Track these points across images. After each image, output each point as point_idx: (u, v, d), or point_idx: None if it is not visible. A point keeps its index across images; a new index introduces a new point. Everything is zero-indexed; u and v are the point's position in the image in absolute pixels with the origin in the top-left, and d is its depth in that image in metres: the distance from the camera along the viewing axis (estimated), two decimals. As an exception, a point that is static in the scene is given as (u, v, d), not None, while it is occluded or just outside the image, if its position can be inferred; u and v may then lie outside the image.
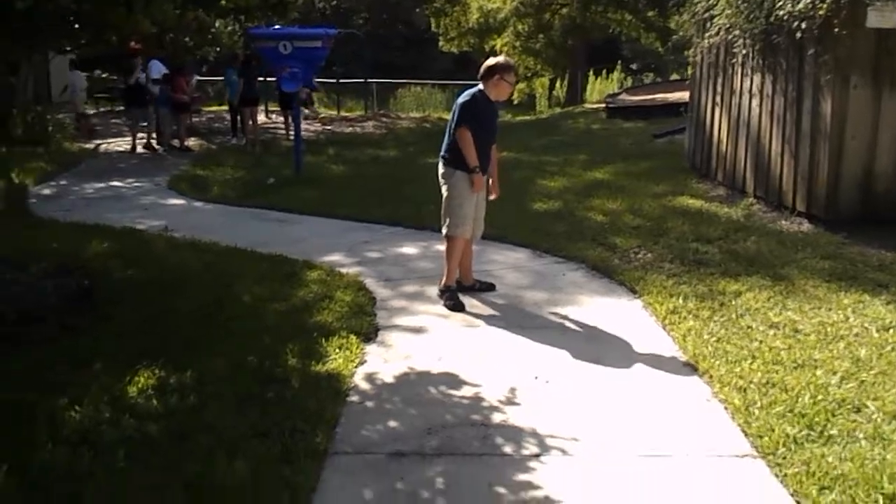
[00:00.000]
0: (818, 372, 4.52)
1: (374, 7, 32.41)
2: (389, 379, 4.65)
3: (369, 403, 4.32)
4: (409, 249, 7.90)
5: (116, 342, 5.18)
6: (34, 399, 4.19)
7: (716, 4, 9.32)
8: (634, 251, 7.35)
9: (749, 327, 5.32)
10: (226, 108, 21.08)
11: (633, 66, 41.18)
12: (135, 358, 4.75)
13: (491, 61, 6.26)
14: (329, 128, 21.32)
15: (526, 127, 19.68)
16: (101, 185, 12.36)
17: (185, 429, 3.90)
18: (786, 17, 7.59)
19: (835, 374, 4.49)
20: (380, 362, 4.89)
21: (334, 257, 7.45)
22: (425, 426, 4.00)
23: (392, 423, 4.06)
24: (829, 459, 3.53)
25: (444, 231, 6.25)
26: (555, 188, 10.53)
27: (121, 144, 17.75)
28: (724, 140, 9.64)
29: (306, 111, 23.11)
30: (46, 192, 11.71)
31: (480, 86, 6.14)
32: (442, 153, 6.27)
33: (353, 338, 5.17)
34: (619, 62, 33.96)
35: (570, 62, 30.55)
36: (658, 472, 3.56)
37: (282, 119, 19.11)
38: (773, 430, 3.82)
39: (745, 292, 6.02)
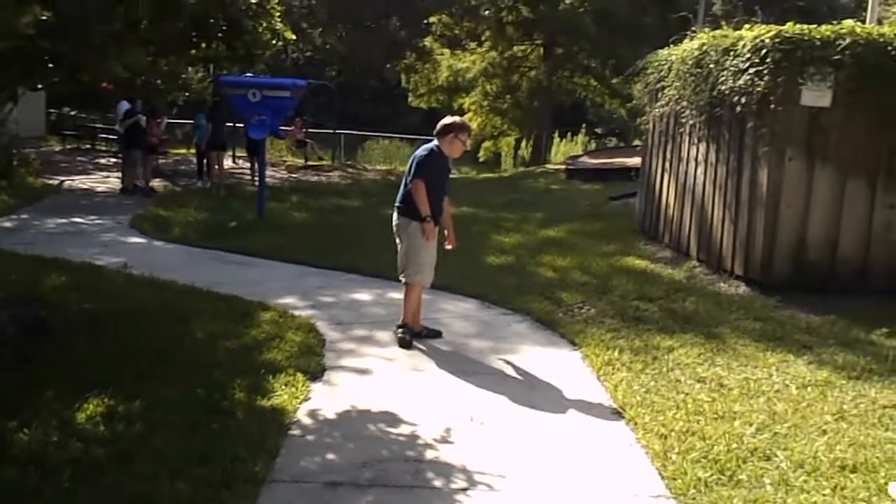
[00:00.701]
0: (736, 423, 4.81)
1: (347, 60, 33.01)
2: (331, 415, 4.86)
3: (310, 437, 4.52)
4: (363, 296, 8.14)
5: (69, 371, 5.31)
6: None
7: (666, 76, 9.82)
8: (578, 306, 7.65)
9: (678, 380, 5.62)
10: (192, 151, 21.35)
11: (598, 131, 42.17)
12: (87, 387, 4.90)
13: (447, 120, 6.62)
14: (295, 175, 21.63)
15: (488, 184, 20.15)
16: (63, 220, 12.49)
17: (131, 453, 4.07)
18: (727, 92, 8.07)
19: (751, 425, 4.79)
20: (324, 400, 5.10)
21: (289, 300, 7.66)
22: (361, 460, 4.21)
23: (330, 456, 4.27)
24: (735, 502, 3.80)
25: (402, 279, 6.52)
26: (509, 244, 10.86)
27: (84, 182, 17.89)
28: (672, 204, 10.07)
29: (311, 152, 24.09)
30: (7, 224, 11.82)
31: (436, 142, 6.48)
32: (397, 203, 6.58)
33: (299, 376, 5.38)
34: (584, 125, 34.78)
35: (536, 123, 31.27)
36: (576, 509, 3.80)
37: (247, 165, 19.39)
38: (686, 474, 4.09)
39: (677, 348, 6.34)
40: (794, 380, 5.68)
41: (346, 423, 4.75)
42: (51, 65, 5.79)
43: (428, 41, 31.88)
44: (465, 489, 3.94)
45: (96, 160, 23.60)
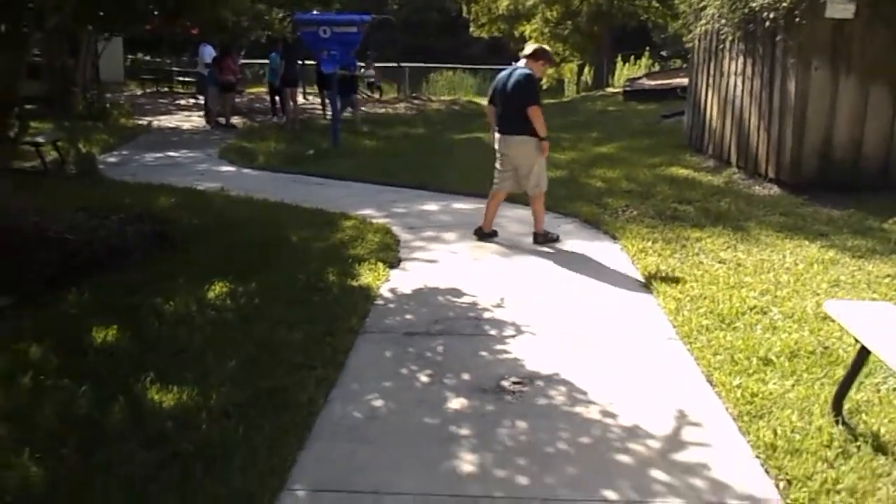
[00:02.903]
0: (743, 290, 5.76)
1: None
2: (407, 290, 5.97)
3: (391, 305, 5.65)
4: (431, 207, 9.20)
5: (192, 267, 6.50)
6: (140, 301, 5.55)
7: (708, -4, 10.48)
8: (623, 209, 8.59)
9: (701, 262, 6.57)
10: (265, 89, 22.53)
11: (664, 53, 41.91)
12: (209, 276, 6.09)
13: (542, 47, 7.47)
14: (363, 109, 22.69)
15: (548, 109, 20.74)
16: (159, 154, 13.81)
17: (253, 317, 5.24)
18: (758, 9, 8.76)
19: (755, 290, 5.73)
20: (401, 280, 6.21)
21: (366, 211, 8.77)
22: (432, 318, 5.32)
23: (408, 316, 5.39)
24: (728, 338, 4.80)
25: (531, 192, 7.31)
26: (563, 160, 11.76)
27: (170, 121, 19.28)
28: (715, 117, 10.81)
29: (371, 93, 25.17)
30: (111, 160, 13.16)
31: (523, 63, 7.28)
32: (507, 127, 7.16)
33: (380, 264, 6.49)
34: (648, 48, 34.72)
35: (597, 48, 31.51)
36: (603, 345, 4.84)
37: (318, 101, 20.49)
38: (692, 322, 5.09)
39: (705, 238, 7.26)
40: (804, 259, 6.57)
41: (420, 296, 5.85)
42: (155, 11, 6.77)
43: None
44: (514, 335, 5.02)
45: (177, 101, 25.05)
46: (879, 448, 3.51)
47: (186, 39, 28.50)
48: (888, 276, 6.05)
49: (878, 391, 4.08)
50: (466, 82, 35.39)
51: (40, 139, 11.34)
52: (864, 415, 3.84)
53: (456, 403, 4.06)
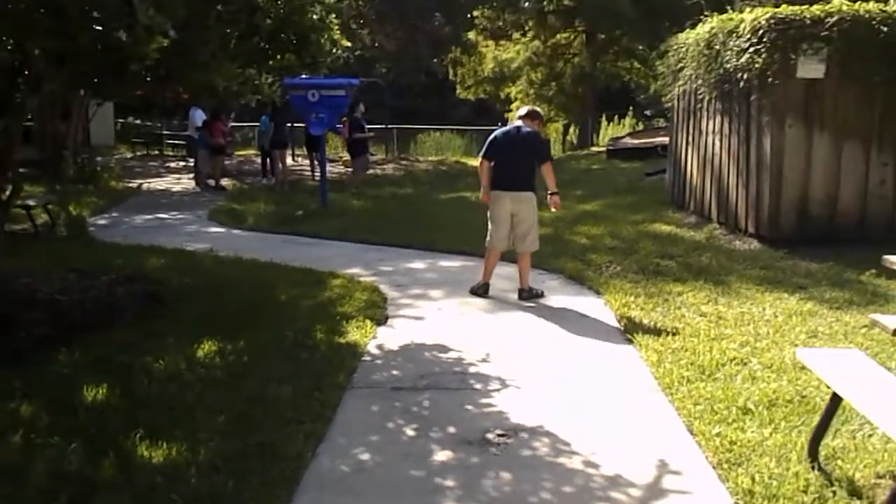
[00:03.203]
0: (724, 342, 5.89)
1: (395, 56, 34.31)
2: (394, 347, 6.06)
3: (378, 361, 5.74)
4: (417, 265, 9.34)
5: (182, 326, 6.58)
6: (130, 360, 5.62)
7: (684, 57, 10.81)
8: (606, 265, 8.74)
9: (683, 315, 6.70)
10: (253, 152, 22.85)
11: (648, 113, 42.69)
12: (198, 335, 6.17)
13: (536, 109, 7.91)
14: (350, 169, 22.97)
15: (534, 168, 21.19)
16: (149, 216, 13.95)
17: (242, 374, 5.32)
18: (732, 69, 9.06)
19: (735, 342, 5.86)
20: (388, 337, 6.31)
21: (354, 270, 8.89)
22: (419, 373, 5.41)
23: (395, 372, 5.48)
24: (708, 389, 4.91)
25: (528, 249, 7.60)
26: (548, 217, 11.84)
27: (160, 184, 19.48)
28: (695, 174, 11.06)
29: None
30: (101, 222, 13.29)
31: (520, 122, 7.56)
32: (522, 184, 7.48)
33: (367, 322, 6.59)
34: (632, 108, 35.35)
35: (582, 108, 32.08)
36: (587, 398, 4.94)
37: (307, 163, 20.77)
38: (672, 374, 5.19)
39: (686, 292, 7.41)
40: (783, 311, 6.72)
41: (406, 352, 5.95)
42: (148, 78, 7.00)
43: (472, 34, 32.91)
44: (498, 389, 5.11)
45: (166, 164, 25.33)
46: (854, 493, 3.60)
47: (177, 104, 29.00)
48: (864, 326, 6.18)
49: (854, 437, 4.18)
50: (454, 143, 35.83)
51: (31, 202, 11.49)
52: (839, 461, 3.93)
53: (441, 456, 4.14)
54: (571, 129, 34.93)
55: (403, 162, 26.10)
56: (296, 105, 13.95)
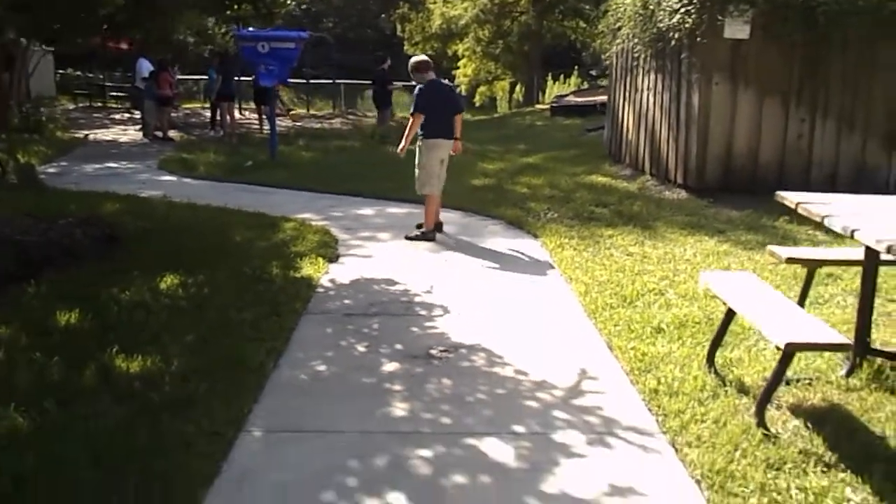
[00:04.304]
0: (645, 276, 6.49)
1: (343, 12, 34.27)
2: (346, 281, 6.54)
3: (331, 292, 6.22)
4: (366, 211, 9.79)
5: (143, 263, 6.95)
6: (97, 291, 6.00)
7: (622, 17, 11.33)
8: (544, 212, 9.29)
9: (611, 255, 7.29)
10: (199, 105, 22.88)
11: (593, 73, 43.25)
12: (159, 271, 6.56)
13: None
14: (299, 124, 23.15)
15: (479, 125, 21.67)
16: (99, 166, 14.09)
17: (204, 303, 5.75)
18: (665, 29, 9.61)
19: (656, 276, 6.47)
20: (339, 272, 6.78)
21: (306, 215, 9.29)
22: (369, 302, 5.91)
23: (346, 301, 5.97)
24: (627, 314, 5.50)
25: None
26: (491, 170, 12.48)
27: (106, 135, 19.46)
28: (631, 129, 11.65)
29: (280, 108, 25.16)
30: (51, 170, 13.40)
31: (433, 76, 8.23)
32: (451, 132, 8.17)
33: (320, 259, 7.04)
34: (577, 67, 35.84)
35: (528, 66, 32.53)
36: (520, 322, 5.49)
37: (255, 116, 20.90)
38: (597, 302, 5.78)
39: (616, 236, 8.01)
40: (702, 252, 7.35)
41: (357, 285, 6.43)
42: (107, 27, 7.21)
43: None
44: (440, 315, 5.64)
45: (111, 116, 25.14)
46: (743, 391, 4.21)
47: (120, 55, 28.70)
48: (773, 263, 6.82)
49: (749, 351, 4.80)
50: (400, 99, 35.98)
51: (-20, 149, 11.56)
52: (734, 368, 4.55)
53: (390, 367, 4.65)
54: (518, 88, 35.36)
55: (350, 117, 26.31)
56: (247, 56, 14.16)
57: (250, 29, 12.92)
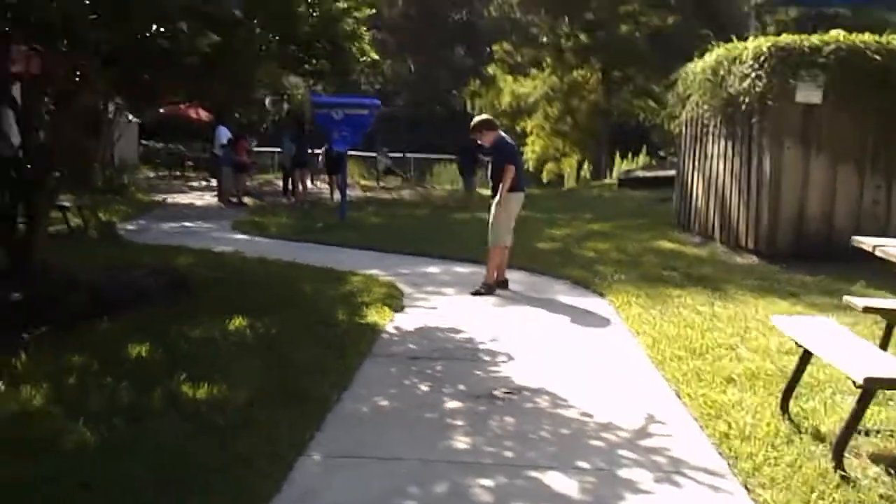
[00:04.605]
0: (715, 333, 6.34)
1: (415, 86, 35.16)
2: (411, 328, 6.56)
3: (396, 338, 6.23)
4: (432, 269, 9.84)
5: (213, 307, 7.09)
6: (167, 328, 6.13)
7: (691, 85, 11.37)
8: (611, 275, 9.20)
9: (680, 313, 7.15)
10: (272, 177, 23.53)
11: (661, 153, 43.17)
12: (228, 314, 6.67)
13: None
14: (370, 193, 23.59)
15: (546, 196, 21.77)
16: (175, 224, 14.53)
17: (271, 342, 5.82)
18: (735, 94, 9.60)
19: (726, 333, 6.32)
20: (404, 320, 6.81)
21: (373, 271, 9.36)
22: (433, 348, 5.91)
23: (411, 346, 5.97)
24: (696, 364, 5.37)
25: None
26: (559, 235, 12.48)
27: (183, 199, 20.12)
28: (700, 197, 11.56)
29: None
30: (131, 227, 13.88)
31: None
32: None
33: (386, 309, 7.09)
34: (645, 146, 35.85)
35: (595, 144, 32.69)
36: (586, 369, 5.40)
37: (326, 187, 21.37)
38: (664, 353, 5.66)
39: (685, 295, 7.87)
40: (774, 312, 7.14)
41: (422, 332, 6.44)
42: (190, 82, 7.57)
43: (491, 68, 33.68)
44: (505, 361, 5.60)
45: (188, 183, 26.04)
46: (818, 438, 4.05)
47: (200, 125, 29.87)
48: (847, 324, 6.61)
49: (824, 403, 4.62)
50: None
51: (66, 203, 12.05)
52: (809, 419, 4.38)
53: (452, 405, 4.61)
54: (585, 165, 35.50)
55: (419, 189, 26.69)
56: (321, 122, 14.58)
57: (323, 95, 13.27)
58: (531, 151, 35.98)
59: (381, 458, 3.80)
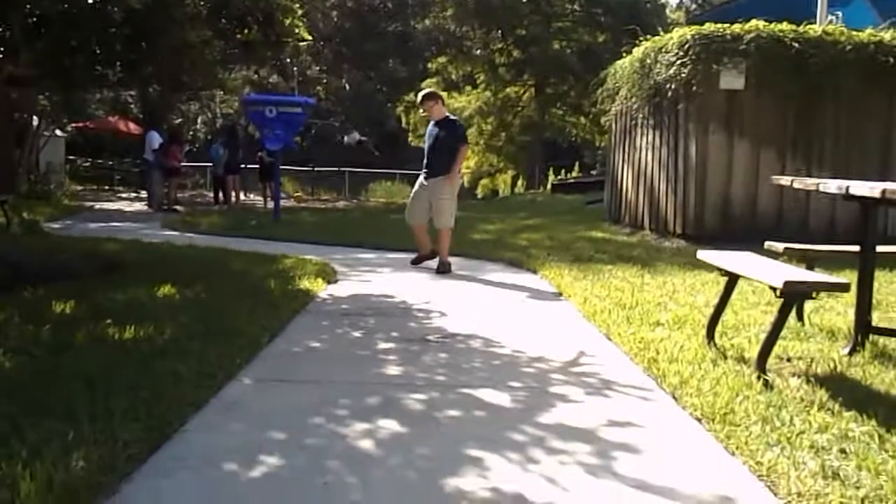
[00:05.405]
0: (645, 294, 6.46)
1: (350, 101, 35.19)
2: (344, 294, 6.52)
3: (329, 301, 6.19)
4: (366, 255, 9.81)
5: (139, 282, 6.94)
6: (93, 293, 5.98)
7: (620, 78, 11.64)
8: (544, 257, 9.30)
9: (610, 282, 7.26)
10: (207, 190, 23.23)
11: (593, 172, 43.94)
12: (156, 283, 6.54)
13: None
14: (303, 204, 23.46)
15: (481, 204, 21.96)
16: (102, 224, 14.20)
17: (203, 302, 5.72)
18: (662, 81, 9.86)
19: (655, 294, 6.44)
20: (337, 289, 6.78)
21: (306, 256, 9.31)
22: (366, 306, 5.88)
23: (344, 306, 5.94)
24: (627, 314, 5.46)
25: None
26: (493, 229, 12.58)
27: (112, 206, 19.70)
28: (630, 189, 11.80)
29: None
30: (56, 226, 13.53)
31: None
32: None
33: (319, 280, 7.03)
34: (577, 164, 36.45)
35: (529, 158, 33.09)
36: (518, 321, 5.44)
37: (259, 198, 21.16)
38: (596, 308, 5.74)
39: (616, 270, 8.00)
40: (700, 281, 7.33)
41: (356, 298, 6.41)
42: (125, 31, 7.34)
43: (426, 83, 33.85)
44: (439, 316, 5.60)
45: (118, 195, 25.52)
46: (743, 361, 4.15)
47: (131, 140, 29.41)
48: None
49: (749, 339, 4.74)
50: (404, 191, 36.51)
51: (-15, 200, 11.70)
52: (734, 350, 4.49)
53: (386, 346, 4.60)
54: (520, 181, 35.90)
55: (354, 201, 26.66)
56: (254, 120, 14.47)
57: (253, 94, 13.18)
58: (465, 167, 36.29)
59: (314, 381, 3.77)
